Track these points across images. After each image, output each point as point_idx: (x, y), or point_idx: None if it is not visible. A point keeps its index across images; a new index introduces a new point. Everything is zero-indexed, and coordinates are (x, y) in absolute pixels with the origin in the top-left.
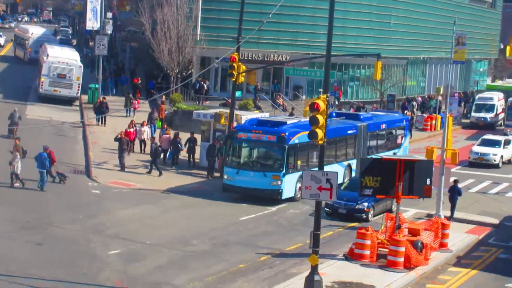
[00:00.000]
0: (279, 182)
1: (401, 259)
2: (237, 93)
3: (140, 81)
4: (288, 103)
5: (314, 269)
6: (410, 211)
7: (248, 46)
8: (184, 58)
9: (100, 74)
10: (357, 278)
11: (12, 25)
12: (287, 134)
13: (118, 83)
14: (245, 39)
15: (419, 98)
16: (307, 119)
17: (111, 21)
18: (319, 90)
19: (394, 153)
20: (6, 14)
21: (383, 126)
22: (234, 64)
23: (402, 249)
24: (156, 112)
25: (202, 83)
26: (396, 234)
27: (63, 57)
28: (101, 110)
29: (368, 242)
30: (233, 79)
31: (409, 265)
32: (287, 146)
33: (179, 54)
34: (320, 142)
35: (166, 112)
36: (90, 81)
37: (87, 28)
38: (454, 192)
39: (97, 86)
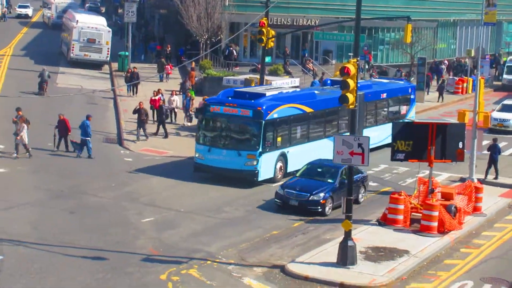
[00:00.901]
0: (254, 162)
1: (435, 224)
2: (267, 59)
3: (170, 48)
4: (318, 67)
5: (348, 235)
6: (443, 175)
7: (277, 10)
8: (213, 24)
9: (129, 41)
10: (390, 243)
11: None
12: (264, 107)
13: (147, 50)
14: (274, 4)
15: (446, 61)
16: (290, 90)
17: None
18: (349, 54)
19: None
20: None
21: (384, 95)
22: (263, 29)
23: (436, 213)
24: (188, 81)
25: (231, 49)
26: (429, 199)
27: (92, 23)
28: (132, 80)
29: (401, 207)
30: (263, 44)
31: (442, 230)
32: (263, 122)
33: (208, 20)
34: (351, 106)
35: (196, 79)
36: (120, 48)
37: None
38: (496, 150)
39: (126, 53)
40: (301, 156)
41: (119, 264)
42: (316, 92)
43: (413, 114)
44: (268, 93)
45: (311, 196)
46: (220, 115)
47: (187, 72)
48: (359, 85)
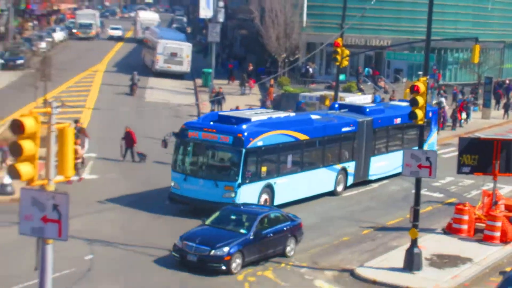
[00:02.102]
0: (232, 194)
1: (498, 234)
2: (341, 76)
3: (252, 67)
4: (389, 85)
5: (414, 242)
6: (506, 188)
7: (351, 32)
8: (291, 44)
9: (213, 59)
10: (454, 251)
11: (132, 14)
12: (245, 134)
13: (229, 69)
14: (348, 25)
15: (507, 81)
16: (281, 115)
17: (222, 10)
18: (419, 72)
19: None
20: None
21: (398, 120)
22: (338, 49)
23: (499, 224)
24: (268, 100)
25: (308, 67)
26: (493, 210)
27: (174, 38)
28: (218, 99)
29: (466, 217)
30: (337, 63)
31: (505, 239)
32: (244, 150)
33: (287, 40)
34: (420, 122)
35: (274, 95)
36: (203, 66)
37: (200, 17)
38: None
39: (210, 70)
40: (291, 187)
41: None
42: (313, 117)
43: (433, 141)
44: (254, 118)
45: (213, 251)
46: (198, 141)
47: (266, 89)
48: (367, 109)
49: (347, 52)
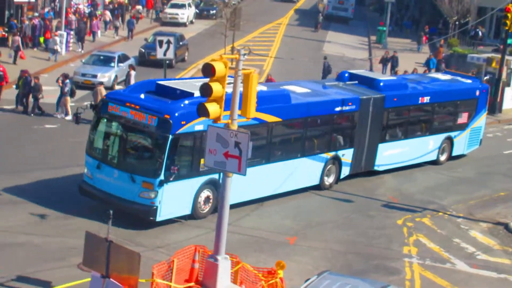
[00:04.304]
0: (152, 195)
1: None
2: (509, 41)
3: (428, 29)
4: None
5: None
6: None
7: None
8: (462, 7)
9: (387, 18)
10: None
11: None
12: (176, 115)
13: (402, 27)
14: None
15: None
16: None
17: None
18: None
19: (449, 137)
20: None
21: (424, 99)
22: (509, 14)
23: None
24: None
25: (477, 30)
26: None
27: None
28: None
29: None
30: (507, 28)
31: None
32: (171, 137)
33: (458, 3)
34: None
35: (443, 55)
36: (377, 24)
37: None
38: None
39: (384, 28)
40: (254, 181)
41: (363, 207)
42: (294, 92)
43: (480, 124)
44: (198, 93)
45: None
46: (117, 118)
47: (436, 48)
48: (381, 83)
49: None
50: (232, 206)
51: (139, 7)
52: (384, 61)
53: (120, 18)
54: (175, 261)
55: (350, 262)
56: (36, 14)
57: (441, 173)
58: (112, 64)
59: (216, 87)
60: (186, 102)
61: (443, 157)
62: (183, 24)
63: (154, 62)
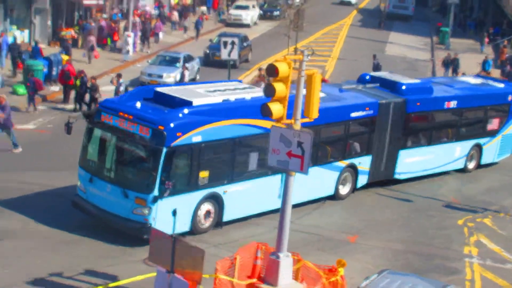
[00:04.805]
0: (145, 211)
1: None
2: None
3: (492, 30)
4: None
5: None
6: None
7: None
8: None
9: (451, 19)
10: None
11: None
12: (171, 126)
13: (466, 27)
14: None
15: None
16: (254, 94)
17: None
18: None
19: (477, 144)
20: None
21: (450, 103)
22: None
23: None
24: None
25: None
26: None
27: None
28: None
29: None
30: None
31: None
32: (165, 149)
33: None
34: None
35: (506, 55)
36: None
37: None
38: None
39: (447, 29)
40: (254, 195)
41: (423, 207)
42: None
43: (511, 131)
44: (198, 101)
45: None
46: (110, 130)
47: (499, 48)
48: (403, 87)
49: None
50: (238, 220)
51: (203, 8)
52: (446, 64)
53: (186, 19)
54: (238, 257)
55: (410, 261)
56: (105, 16)
57: (506, 175)
58: (178, 65)
59: (279, 87)
60: (185, 111)
61: (471, 165)
62: (247, 25)
63: (218, 63)
